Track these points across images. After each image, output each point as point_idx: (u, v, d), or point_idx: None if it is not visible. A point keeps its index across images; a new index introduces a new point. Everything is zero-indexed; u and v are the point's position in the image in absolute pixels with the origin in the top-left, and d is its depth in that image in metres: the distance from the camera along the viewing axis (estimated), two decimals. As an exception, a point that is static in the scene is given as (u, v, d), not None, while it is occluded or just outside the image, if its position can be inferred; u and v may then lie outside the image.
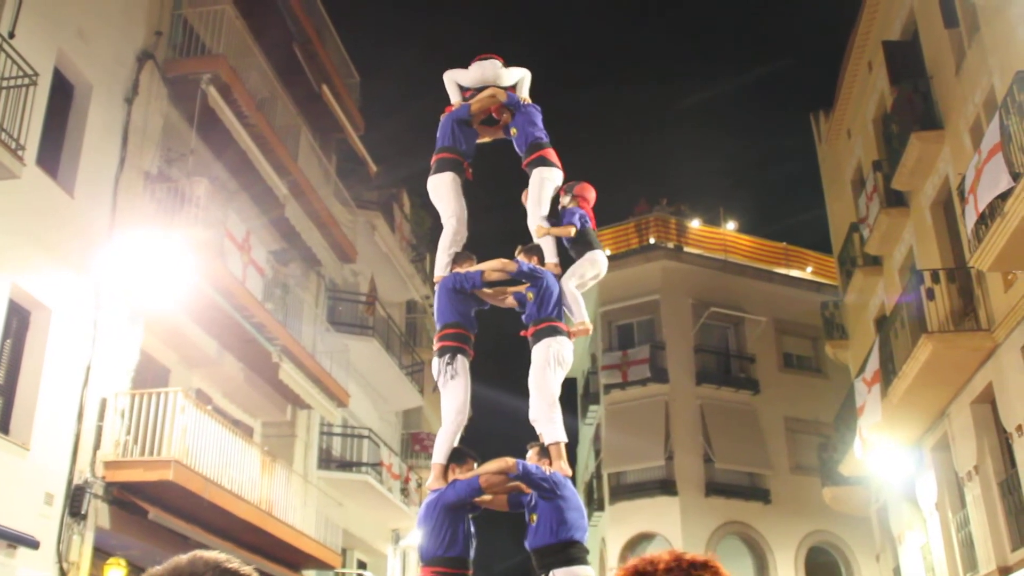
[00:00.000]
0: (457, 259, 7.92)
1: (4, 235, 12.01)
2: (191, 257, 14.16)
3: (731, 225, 33.26)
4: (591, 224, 8.28)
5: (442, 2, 68.30)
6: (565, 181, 8.38)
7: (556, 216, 8.26)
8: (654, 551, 2.04)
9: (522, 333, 7.72)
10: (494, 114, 8.72)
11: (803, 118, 27.11)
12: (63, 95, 13.86)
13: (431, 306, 27.27)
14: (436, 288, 7.91)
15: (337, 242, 21.15)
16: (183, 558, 1.84)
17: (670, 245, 30.80)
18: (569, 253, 8.16)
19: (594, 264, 8.08)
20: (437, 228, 8.37)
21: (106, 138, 14.40)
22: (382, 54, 68.84)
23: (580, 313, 7.94)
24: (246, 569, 1.85)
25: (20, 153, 11.48)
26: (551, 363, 7.42)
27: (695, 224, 32.32)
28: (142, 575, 1.85)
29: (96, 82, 14.25)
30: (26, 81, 11.91)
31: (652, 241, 31.02)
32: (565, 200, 8.35)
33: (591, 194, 8.45)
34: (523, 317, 7.75)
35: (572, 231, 8.07)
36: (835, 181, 25.15)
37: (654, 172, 69.47)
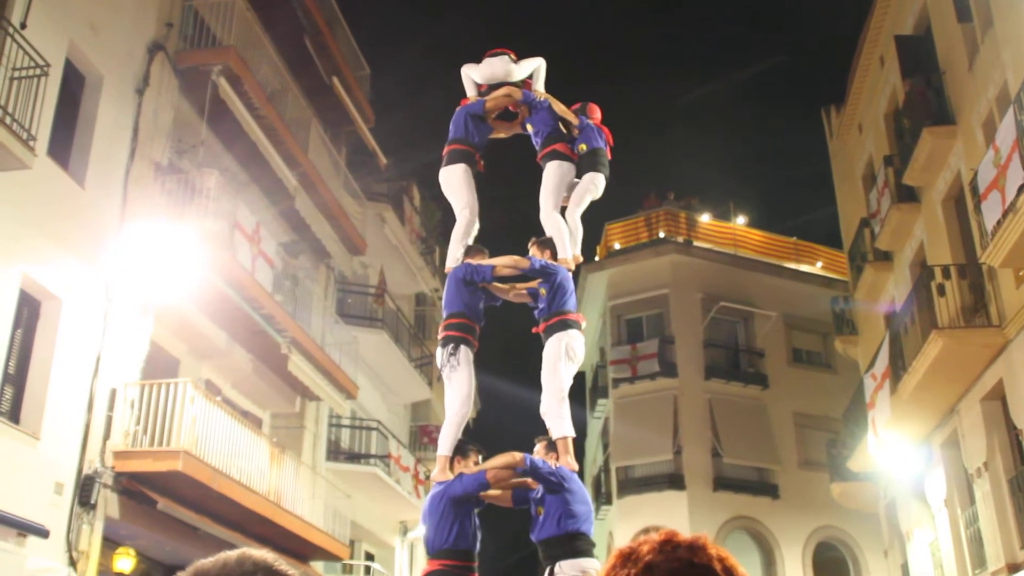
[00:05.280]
0: (469, 252, 7.90)
1: (15, 225, 12.05)
2: (201, 248, 14.19)
3: (741, 219, 33.16)
4: (604, 144, 8.41)
5: (452, -5, 68.25)
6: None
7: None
8: None
9: (534, 330, 7.71)
10: (511, 108, 8.70)
11: (814, 113, 27.04)
12: (74, 86, 13.90)
13: (440, 299, 27.41)
14: (447, 277, 7.91)
15: (347, 234, 21.16)
16: (232, 555, 1.78)
17: (680, 239, 30.74)
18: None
19: (594, 185, 8.26)
20: (447, 221, 8.41)
21: (117, 129, 14.43)
22: (392, 46, 68.86)
23: (575, 247, 8.09)
24: (293, 572, 1.79)
25: (31, 144, 11.50)
26: (562, 357, 7.42)
27: (705, 218, 32.24)
28: (187, 567, 1.81)
29: (107, 73, 14.28)
30: (38, 72, 11.94)
31: (662, 235, 30.96)
32: (583, 120, 8.44)
33: (597, 115, 8.55)
34: (535, 313, 7.73)
35: (576, 120, 8.31)
36: (846, 176, 25.06)
37: (664, 167, 69.39)
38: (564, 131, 8.43)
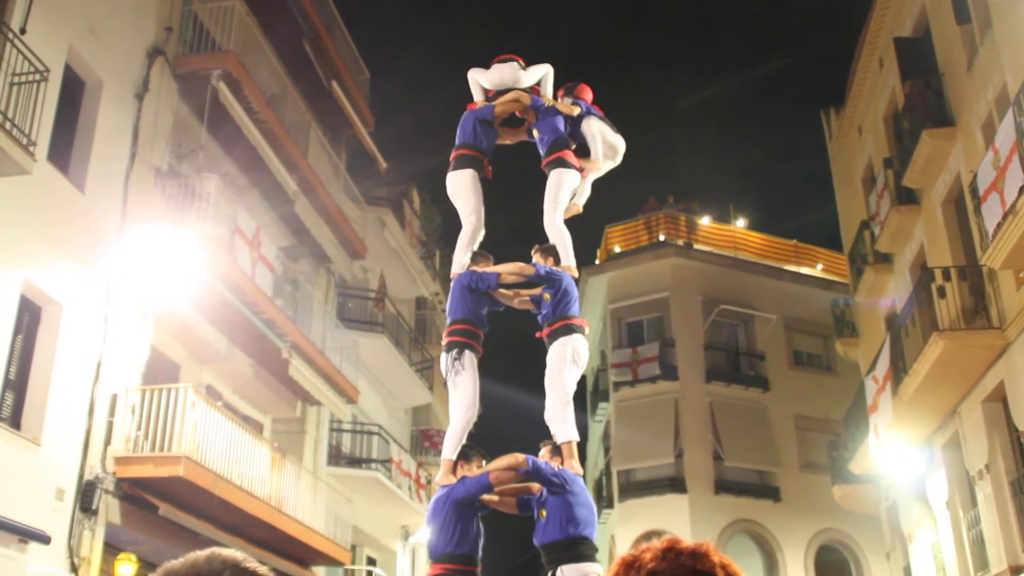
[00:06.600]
0: (475, 258, 7.91)
1: (15, 230, 12.04)
2: (201, 253, 14.19)
3: (741, 222, 33.17)
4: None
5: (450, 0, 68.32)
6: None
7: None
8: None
9: (538, 335, 7.71)
10: (518, 114, 8.71)
11: (814, 115, 27.05)
12: (74, 91, 13.89)
13: (441, 303, 27.43)
14: (452, 283, 7.90)
15: (347, 238, 21.16)
16: (201, 554, 1.80)
17: (680, 242, 30.74)
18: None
19: (612, 148, 8.49)
20: (447, 225, 8.43)
21: (117, 134, 14.42)
22: (392, 50, 68.90)
23: (580, 197, 8.36)
24: (262, 569, 1.81)
25: (31, 149, 11.50)
26: (567, 362, 7.41)
27: (705, 221, 32.25)
28: (157, 568, 1.81)
29: (107, 78, 14.28)
30: (37, 77, 11.94)
31: (662, 238, 30.97)
32: (567, 101, 8.55)
33: (588, 95, 8.64)
34: (539, 318, 7.73)
35: (576, 110, 8.44)
36: (846, 178, 25.07)
37: (663, 169, 69.43)
38: (570, 129, 8.45)
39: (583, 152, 8.48)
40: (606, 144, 8.47)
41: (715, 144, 71.75)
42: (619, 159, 8.60)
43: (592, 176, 8.52)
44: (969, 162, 15.95)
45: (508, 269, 7.76)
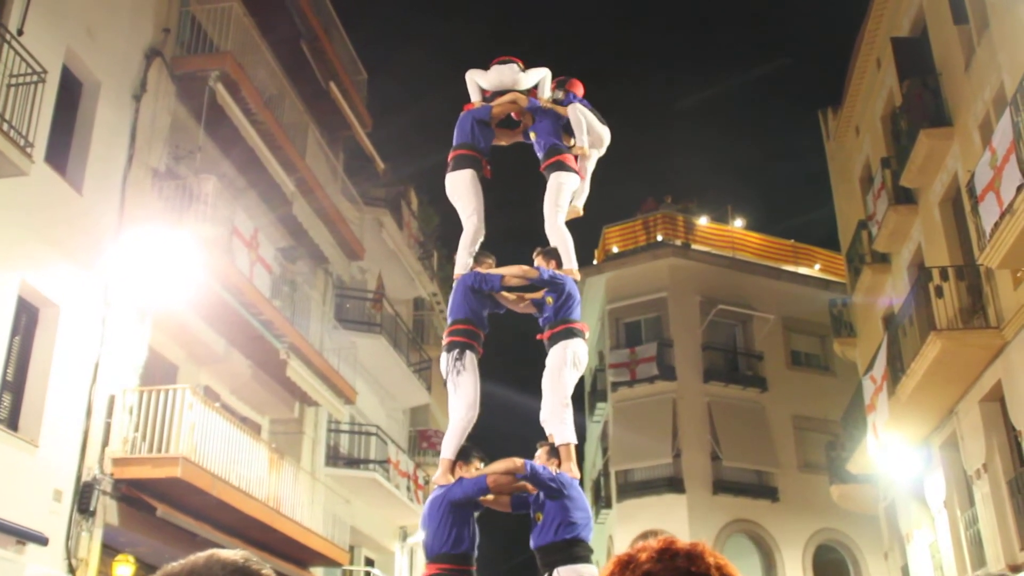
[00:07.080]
0: (478, 259, 7.93)
1: (13, 232, 12.04)
2: (199, 254, 14.18)
3: (739, 222, 33.19)
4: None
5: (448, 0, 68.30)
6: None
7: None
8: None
9: (539, 336, 7.72)
10: (514, 116, 8.74)
11: (811, 115, 27.06)
12: (71, 92, 13.88)
13: (438, 303, 27.43)
14: (454, 283, 7.92)
15: (345, 239, 21.16)
16: (200, 557, 1.78)
17: (678, 243, 30.76)
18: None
19: (600, 139, 8.72)
20: (445, 226, 8.46)
21: (114, 135, 14.42)
22: (389, 51, 68.86)
23: (579, 199, 8.59)
24: (266, 570, 1.79)
25: (29, 150, 11.49)
26: (567, 364, 7.43)
27: (703, 221, 32.27)
28: (157, 571, 1.80)
29: (104, 79, 14.28)
30: (35, 78, 11.93)
31: (659, 239, 30.98)
32: (559, 94, 8.67)
33: (580, 90, 8.78)
34: (540, 321, 7.75)
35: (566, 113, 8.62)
36: (843, 178, 25.08)
37: (661, 169, 69.44)
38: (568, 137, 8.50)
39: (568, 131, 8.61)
40: (592, 132, 8.50)
41: (714, 144, 71.80)
42: (603, 150, 8.71)
43: (585, 171, 8.56)
44: (966, 162, 15.96)
45: (512, 272, 7.77)
